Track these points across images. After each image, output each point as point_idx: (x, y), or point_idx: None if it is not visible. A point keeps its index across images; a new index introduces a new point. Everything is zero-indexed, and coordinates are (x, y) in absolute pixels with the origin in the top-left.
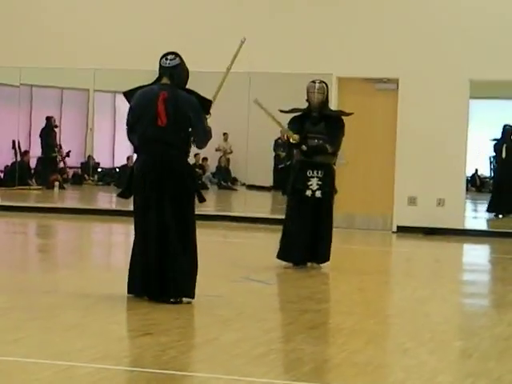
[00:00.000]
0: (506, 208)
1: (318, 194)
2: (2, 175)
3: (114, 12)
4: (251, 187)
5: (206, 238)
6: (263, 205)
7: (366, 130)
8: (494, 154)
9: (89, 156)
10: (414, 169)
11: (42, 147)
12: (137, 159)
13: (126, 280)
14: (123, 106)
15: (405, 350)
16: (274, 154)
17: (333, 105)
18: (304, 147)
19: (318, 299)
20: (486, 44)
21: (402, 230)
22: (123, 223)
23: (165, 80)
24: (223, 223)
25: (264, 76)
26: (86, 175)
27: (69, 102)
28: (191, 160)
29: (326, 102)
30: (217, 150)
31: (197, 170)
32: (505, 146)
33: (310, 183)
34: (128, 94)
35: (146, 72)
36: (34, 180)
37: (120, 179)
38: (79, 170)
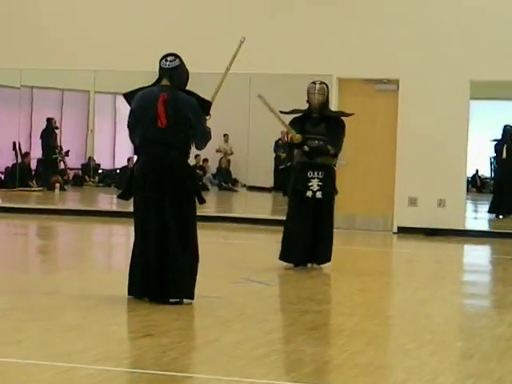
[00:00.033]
0: (506, 208)
1: (319, 194)
2: (2, 177)
3: (114, 13)
4: (252, 188)
5: (207, 239)
6: (264, 206)
7: (366, 130)
8: (495, 154)
9: (89, 157)
10: (414, 169)
11: (43, 149)
12: (137, 160)
13: (127, 282)
14: (124, 108)
15: (406, 351)
16: (274, 155)
17: (333, 106)
18: (306, 148)
19: (318, 300)
20: (486, 44)
21: (403, 231)
22: (124, 224)
23: (165, 81)
24: (224, 224)
25: (264, 77)
26: (86, 176)
27: (69, 104)
28: (191, 161)
29: (326, 102)
30: (217, 151)
31: (197, 171)
32: (505, 146)
33: (310, 184)
34: (128, 96)
35: (146, 73)
36: (34, 181)
37: (120, 180)
38: (80, 172)
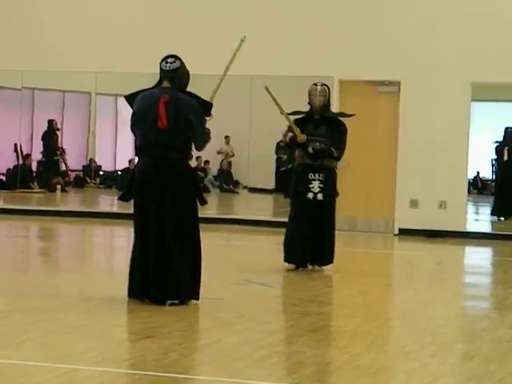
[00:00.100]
0: (507, 210)
1: (320, 196)
2: (4, 178)
3: (115, 15)
4: (253, 190)
5: (208, 241)
6: (265, 208)
7: (367, 132)
8: (496, 156)
9: (90, 159)
10: (415, 171)
11: (44, 150)
12: (138, 162)
13: (127, 284)
14: (125, 109)
15: (407, 353)
16: (275, 156)
17: (334, 108)
18: (311, 149)
19: (319, 302)
20: (487, 46)
21: (404, 233)
22: (125, 226)
23: (165, 83)
24: (225, 226)
25: (266, 79)
26: (87, 178)
27: (71, 105)
28: (193, 163)
29: (327, 104)
30: (219, 153)
31: (198, 172)
32: (506, 148)
33: (311, 186)
34: (129, 98)
35: (147, 75)
36: (35, 183)
37: (122, 182)
38: (81, 173)
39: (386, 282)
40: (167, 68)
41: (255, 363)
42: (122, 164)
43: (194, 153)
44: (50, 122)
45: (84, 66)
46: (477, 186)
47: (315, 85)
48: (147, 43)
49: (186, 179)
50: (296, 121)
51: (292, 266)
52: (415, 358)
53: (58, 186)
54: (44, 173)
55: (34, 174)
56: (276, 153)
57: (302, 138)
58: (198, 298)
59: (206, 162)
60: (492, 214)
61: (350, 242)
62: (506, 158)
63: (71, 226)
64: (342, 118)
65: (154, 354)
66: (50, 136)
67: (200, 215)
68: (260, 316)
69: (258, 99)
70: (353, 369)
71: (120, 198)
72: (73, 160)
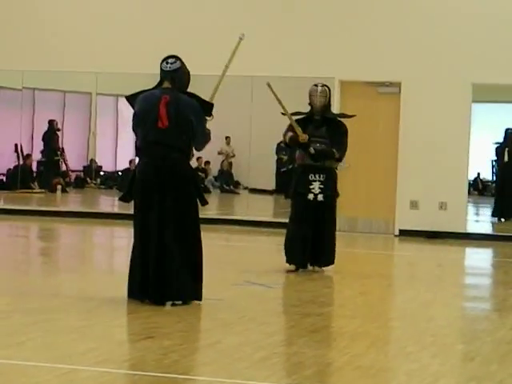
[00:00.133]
0: (508, 212)
1: (320, 197)
2: (4, 178)
3: (115, 16)
4: (253, 191)
5: (208, 242)
6: (265, 208)
7: (368, 133)
8: (496, 157)
9: (91, 159)
10: (416, 172)
11: (45, 150)
12: (138, 162)
13: (127, 284)
14: (126, 110)
15: (407, 354)
16: (276, 157)
17: (335, 108)
18: (312, 150)
19: (320, 303)
20: (488, 47)
21: (404, 234)
22: (125, 227)
23: (166, 84)
24: (225, 227)
25: (266, 79)
26: (88, 179)
27: (71, 106)
28: (193, 163)
29: (328, 105)
30: (219, 154)
31: (199, 173)
32: (507, 149)
33: (311, 187)
34: (130, 98)
35: (147, 75)
36: (36, 183)
37: (122, 183)
38: (81, 174)
39: (387, 283)
40: (168, 68)
41: (255, 364)
42: (122, 164)
43: (195, 153)
44: (51, 122)
45: (84, 66)
46: (477, 187)
47: (316, 85)
48: (147, 43)
49: (186, 179)
50: (296, 121)
51: (292, 267)
52: (415, 359)
53: (59, 187)
54: (44, 173)
55: (35, 175)
56: (276, 153)
57: (303, 137)
58: (200, 299)
59: (207, 162)
60: (493, 215)
61: (351, 242)
62: (506, 159)
63: (71, 226)
64: (342, 119)
65: (154, 355)
66: (51, 136)
67: (200, 216)
68: (260, 317)
69: (258, 100)
70: (353, 370)
71: (121, 199)
72: (73, 160)
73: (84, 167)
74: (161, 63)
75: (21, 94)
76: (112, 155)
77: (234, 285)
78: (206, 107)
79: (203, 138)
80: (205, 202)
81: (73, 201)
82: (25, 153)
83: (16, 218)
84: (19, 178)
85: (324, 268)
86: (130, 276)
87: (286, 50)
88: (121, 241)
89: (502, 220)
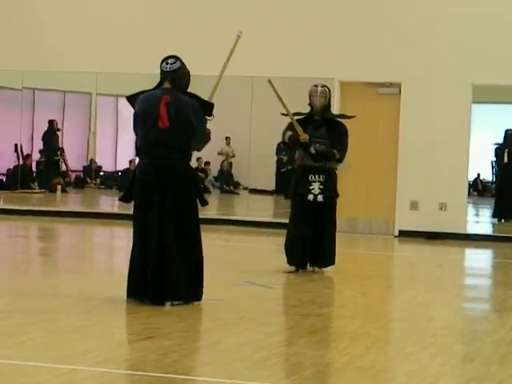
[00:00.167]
0: (507, 212)
1: (320, 198)
2: (4, 178)
3: (115, 16)
4: (253, 191)
5: (208, 242)
6: (265, 209)
7: (368, 134)
8: (496, 158)
9: (91, 159)
10: (416, 173)
11: (45, 150)
12: (138, 163)
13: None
14: (126, 110)
15: (407, 354)
16: (276, 157)
17: (335, 109)
18: (312, 150)
19: (320, 303)
20: (488, 48)
21: (404, 235)
22: (125, 227)
23: (166, 84)
24: (225, 227)
25: (266, 80)
26: (88, 179)
27: (71, 106)
28: (193, 164)
29: (328, 106)
30: (219, 154)
31: (199, 173)
32: (507, 150)
33: (311, 187)
34: (131, 98)
35: (148, 75)
36: (36, 183)
37: (122, 183)
38: (81, 174)
39: (387, 284)
40: (168, 69)
41: (255, 364)
42: (122, 164)
43: (195, 154)
44: (51, 122)
45: (84, 66)
46: (477, 188)
47: (316, 86)
48: (147, 43)
49: (186, 180)
50: (297, 122)
51: (292, 268)
52: (415, 360)
53: (59, 187)
54: (44, 173)
55: (35, 175)
56: (276, 154)
57: (304, 137)
58: (200, 299)
59: (207, 162)
60: (493, 216)
61: (351, 243)
62: (506, 160)
63: (71, 226)
64: (342, 120)
65: (153, 355)
66: (51, 136)
67: (200, 216)
68: (260, 317)
69: (258, 100)
70: (353, 370)
71: (121, 199)
72: (73, 160)
73: (84, 167)
74: (161, 63)
75: (21, 94)
76: (112, 155)
77: (233, 285)
78: (207, 107)
79: (203, 138)
80: (205, 203)
81: (73, 201)
82: (25, 153)
83: (16, 218)
84: (19, 177)
85: (324, 269)
86: (130, 276)
87: (286, 51)
88: (121, 241)
89: (502, 221)
